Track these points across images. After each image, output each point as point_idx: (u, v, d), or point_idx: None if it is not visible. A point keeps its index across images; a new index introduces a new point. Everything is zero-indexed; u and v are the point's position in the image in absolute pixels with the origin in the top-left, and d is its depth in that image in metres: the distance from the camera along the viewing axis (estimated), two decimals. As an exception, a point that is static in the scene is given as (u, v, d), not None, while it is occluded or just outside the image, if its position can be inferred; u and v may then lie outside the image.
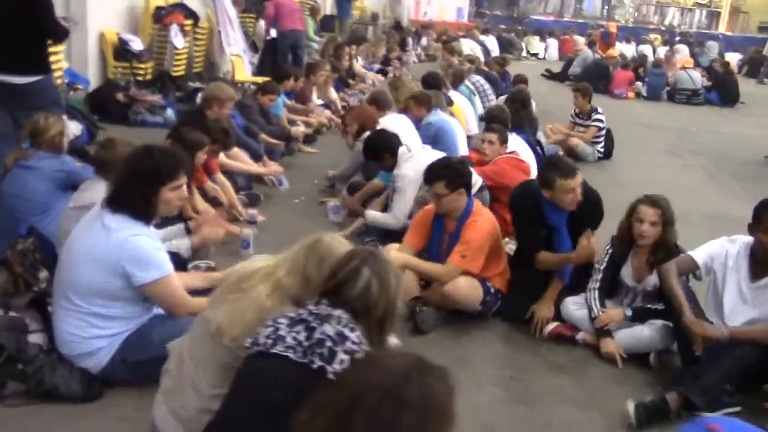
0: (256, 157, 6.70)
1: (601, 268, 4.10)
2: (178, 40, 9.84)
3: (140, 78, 9.47)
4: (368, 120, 6.29)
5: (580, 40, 24.37)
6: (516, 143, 6.16)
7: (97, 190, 3.72)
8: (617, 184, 8.20)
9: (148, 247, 3.10)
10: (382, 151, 5.19)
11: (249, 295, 2.59)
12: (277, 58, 10.92)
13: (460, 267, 4.03)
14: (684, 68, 16.52)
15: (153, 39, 9.92)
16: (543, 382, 3.75)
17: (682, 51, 23.25)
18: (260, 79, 10.45)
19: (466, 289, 4.05)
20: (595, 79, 16.15)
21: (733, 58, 22.84)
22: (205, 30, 10.81)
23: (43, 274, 3.84)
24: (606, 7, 30.39)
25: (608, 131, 9.31)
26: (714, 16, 31.13)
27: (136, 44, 9.52)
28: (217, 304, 2.67)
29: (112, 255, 3.04)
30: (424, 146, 5.17)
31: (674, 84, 15.98)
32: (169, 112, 9.10)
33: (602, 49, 20.24)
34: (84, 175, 4.50)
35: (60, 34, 5.62)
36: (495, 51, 18.79)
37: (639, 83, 16.39)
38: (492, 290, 4.20)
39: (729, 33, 28.05)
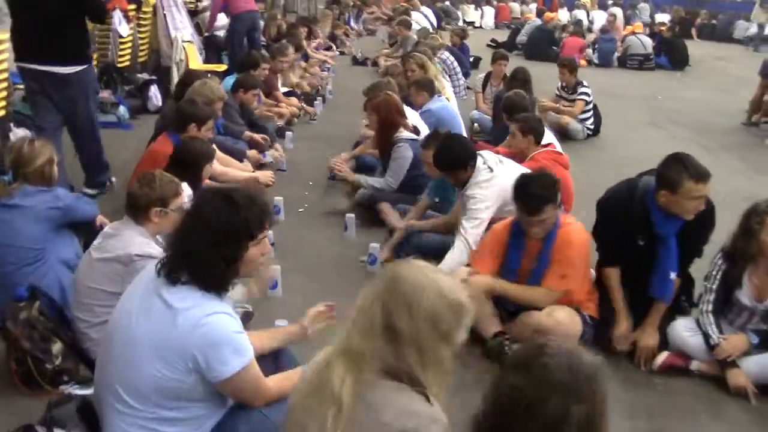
0: (238, 155, 5.93)
1: (713, 287, 3.56)
2: (123, 28, 8.80)
3: (121, 64, 8.47)
4: (395, 112, 5.55)
5: (516, 7, 24.09)
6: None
7: (132, 240, 2.97)
8: (620, 164, 7.76)
9: (229, 329, 2.33)
10: (467, 160, 4.27)
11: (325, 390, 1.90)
12: (234, 43, 9.99)
13: (559, 290, 3.46)
14: (634, 33, 16.29)
15: (94, 28, 8.85)
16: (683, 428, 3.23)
17: (618, 14, 23.17)
18: (215, 68, 9.57)
19: (567, 321, 3.48)
20: (542, 47, 15.90)
21: (663, 19, 22.90)
22: (148, 14, 9.76)
23: (57, 347, 3.07)
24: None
25: (595, 106, 8.88)
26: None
27: (122, 28, 8.50)
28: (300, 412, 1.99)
29: (182, 344, 2.26)
30: (501, 159, 4.43)
31: (625, 50, 15.74)
32: (122, 110, 8.17)
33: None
34: (84, 210, 3.70)
35: (100, 11, 5.48)
36: (434, 22, 18.18)
37: (589, 50, 16.10)
38: (587, 319, 3.63)
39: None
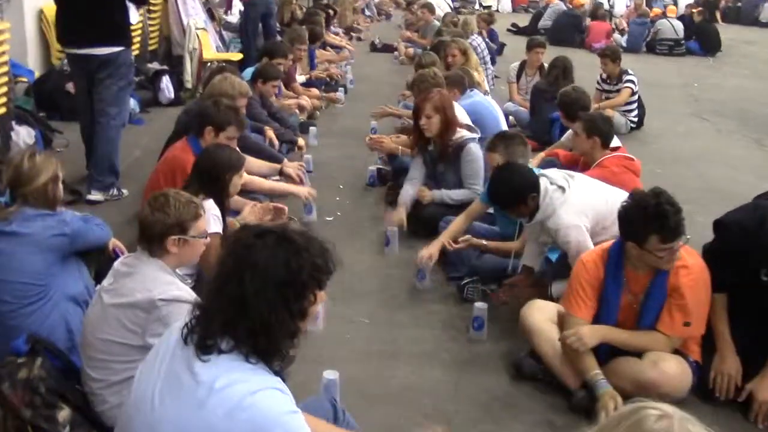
0: (275, 161, 5.32)
1: None
2: (133, 14, 8.17)
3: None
4: (453, 108, 4.96)
5: (534, -11, 23.31)
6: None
7: (152, 279, 2.43)
8: (667, 159, 7.22)
9: (281, 410, 1.77)
10: (526, 191, 3.58)
11: None
12: (248, 29, 9.38)
13: (683, 336, 2.89)
14: (665, 16, 15.57)
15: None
16: None
17: (638, -4, 22.42)
18: (231, 56, 8.99)
19: (677, 373, 2.92)
20: (568, 33, 15.20)
21: (686, 2, 22.11)
22: (159, 0, 9.17)
23: (64, 413, 2.50)
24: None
25: (639, 97, 8.26)
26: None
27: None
28: None
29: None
30: (569, 174, 3.77)
31: (655, 34, 15.03)
32: (132, 103, 7.55)
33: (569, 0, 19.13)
34: (95, 235, 3.15)
35: None
36: (451, 5, 17.50)
37: (617, 35, 15.40)
38: (694, 365, 3.06)
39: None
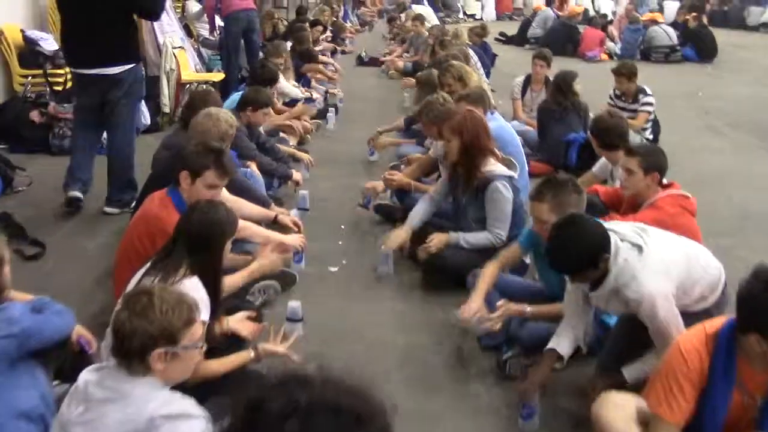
0: (262, 204, 4.66)
1: None
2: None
3: (58, 88, 7.13)
4: (484, 134, 4.31)
5: (517, -4, 22.82)
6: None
7: (143, 395, 1.78)
8: (692, 181, 6.53)
9: None
10: (598, 252, 2.85)
11: None
12: (228, 46, 8.68)
13: None
14: (656, 23, 15.06)
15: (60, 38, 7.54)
16: None
17: (622, 2, 22.05)
18: (211, 77, 8.30)
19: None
20: (561, 42, 14.65)
21: (672, 6, 21.71)
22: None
23: None
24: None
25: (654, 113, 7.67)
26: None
27: (49, 43, 7.17)
28: None
29: None
30: (641, 227, 3.04)
31: (649, 41, 14.53)
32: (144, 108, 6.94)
33: (557, 6, 18.60)
34: (52, 328, 2.48)
35: (153, 5, 5.11)
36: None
37: (610, 43, 14.88)
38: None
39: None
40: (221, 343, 2.98)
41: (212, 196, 3.42)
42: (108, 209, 5.25)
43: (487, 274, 3.61)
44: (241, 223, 3.88)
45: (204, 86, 8.22)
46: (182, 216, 2.99)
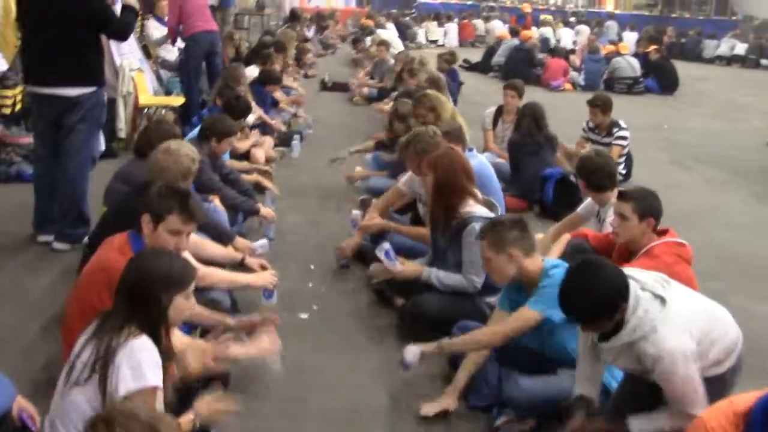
0: (226, 239, 4.33)
1: None
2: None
3: (6, 111, 6.68)
4: (462, 174, 4.06)
5: (480, 24, 22.87)
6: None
7: None
8: (675, 220, 6.34)
9: None
10: (617, 300, 2.59)
11: None
12: (190, 68, 8.32)
13: None
14: (620, 54, 15.13)
15: (17, 53, 7.10)
16: None
17: (584, 32, 22.26)
18: (171, 101, 7.94)
19: None
20: (522, 69, 14.62)
21: (631, 37, 21.99)
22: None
23: None
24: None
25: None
26: (596, -6, 30.63)
27: (-3, 63, 6.72)
28: None
29: None
30: (663, 277, 2.76)
31: (612, 72, 14.57)
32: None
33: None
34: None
35: (122, 28, 4.87)
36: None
37: (574, 73, 14.90)
38: None
39: (617, 11, 27.47)
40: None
41: (176, 243, 3.08)
42: (57, 245, 4.84)
43: (475, 356, 3.39)
44: (204, 269, 3.58)
45: (163, 110, 7.88)
46: (126, 267, 2.64)
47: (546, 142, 6.60)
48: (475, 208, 3.97)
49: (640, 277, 2.74)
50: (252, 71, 8.50)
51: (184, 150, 3.71)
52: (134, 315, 2.46)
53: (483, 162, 5.13)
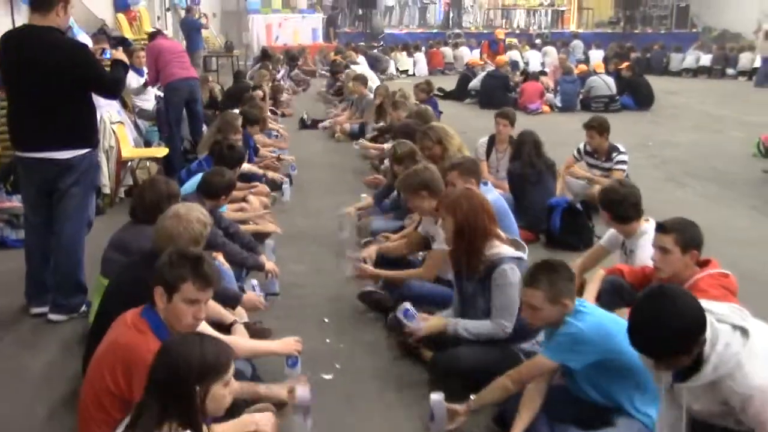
0: (234, 302, 4.08)
1: None
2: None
3: (-17, 174, 6.39)
4: (484, 214, 3.85)
5: (448, 52, 22.92)
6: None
7: None
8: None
9: None
10: (696, 333, 2.40)
11: None
12: (170, 117, 8.09)
13: None
14: (596, 73, 15.18)
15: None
16: None
17: (551, 53, 22.41)
18: (154, 153, 7.70)
19: None
20: (498, 94, 14.62)
21: (598, 56, 22.18)
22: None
23: None
24: (453, 15, 29.19)
25: (623, 169, 7.43)
26: (558, 15, 30.93)
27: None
28: None
29: None
30: (739, 308, 2.58)
31: (588, 91, 14.59)
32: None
33: (492, 58, 18.72)
34: None
35: (112, 85, 4.63)
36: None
37: (550, 95, 14.89)
38: None
39: (581, 30, 27.74)
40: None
41: (194, 313, 2.83)
42: (53, 316, 4.54)
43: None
44: (226, 338, 3.33)
45: (147, 163, 7.63)
46: (154, 359, 2.39)
47: (546, 169, 6.47)
48: (502, 249, 3.77)
49: (713, 308, 2.54)
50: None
51: (195, 214, 3.44)
52: (170, 410, 2.22)
53: (498, 197, 4.94)
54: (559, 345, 3.11)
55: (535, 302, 3.10)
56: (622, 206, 4.11)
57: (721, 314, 2.51)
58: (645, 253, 3.88)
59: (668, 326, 2.38)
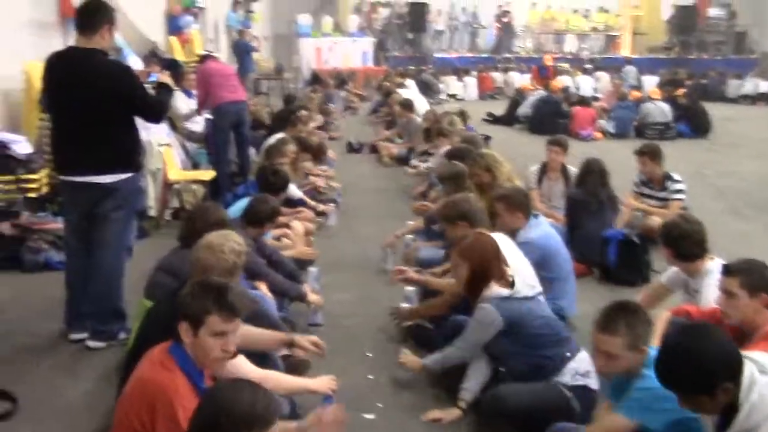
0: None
1: None
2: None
3: (32, 195, 6.42)
4: (493, 259, 3.73)
5: (498, 77, 22.73)
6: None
7: None
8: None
9: None
10: (716, 375, 2.31)
11: None
12: (218, 141, 8.07)
13: None
14: (651, 99, 14.82)
15: (41, 134, 6.88)
16: None
17: (603, 78, 22.07)
18: (200, 175, 7.67)
19: None
20: (549, 120, 14.34)
21: (651, 81, 21.75)
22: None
23: None
24: (504, 39, 28.98)
25: (681, 199, 7.11)
26: (611, 40, 30.50)
27: (22, 146, 6.47)
28: None
29: None
30: None
31: (643, 118, 14.22)
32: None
33: (541, 84, 18.46)
34: None
35: (157, 109, 4.56)
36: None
37: (602, 121, 14.57)
38: None
39: (634, 56, 27.27)
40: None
41: (222, 346, 2.69)
42: (92, 343, 4.46)
43: None
44: (261, 374, 3.20)
45: (193, 186, 7.60)
46: (196, 411, 2.24)
47: (607, 200, 6.24)
48: (493, 289, 3.71)
49: (758, 358, 2.42)
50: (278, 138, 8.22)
51: (229, 245, 3.31)
52: None
53: (549, 233, 4.71)
54: (639, 402, 2.87)
55: (613, 350, 2.87)
56: (686, 244, 3.86)
57: (764, 365, 2.40)
58: (711, 294, 3.64)
59: (690, 362, 2.35)
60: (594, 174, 6.28)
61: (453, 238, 4.55)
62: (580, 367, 3.58)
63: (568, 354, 3.61)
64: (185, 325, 2.67)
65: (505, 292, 3.71)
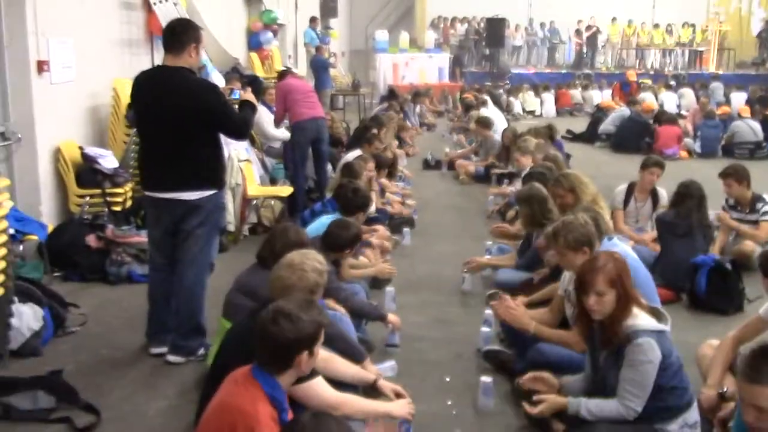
0: (356, 358, 3.85)
1: None
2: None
3: (117, 208, 6.58)
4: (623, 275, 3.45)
5: (576, 94, 22.28)
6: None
7: None
8: None
9: None
10: None
11: None
12: (296, 156, 8.12)
13: None
14: (741, 117, 14.24)
15: (128, 149, 7.06)
16: None
17: (688, 95, 21.35)
18: (279, 192, 7.71)
19: None
20: (633, 139, 13.94)
21: (740, 98, 20.90)
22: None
23: None
24: (586, 55, 28.44)
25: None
26: (696, 55, 29.58)
27: (108, 160, 6.66)
28: None
29: None
30: None
31: (731, 136, 13.67)
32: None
33: (623, 99, 17.99)
34: None
35: (241, 127, 4.58)
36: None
37: (688, 139, 14.06)
38: None
39: (720, 72, 26.37)
40: None
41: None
42: (172, 358, 4.49)
43: None
44: (339, 397, 3.14)
45: (271, 201, 7.65)
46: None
47: (698, 226, 5.96)
48: (638, 320, 3.35)
49: None
50: (355, 155, 8.21)
51: (310, 264, 3.29)
52: None
53: (627, 252, 4.47)
54: None
55: (762, 402, 2.52)
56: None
57: None
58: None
59: None
60: (692, 199, 5.99)
61: (568, 265, 4.10)
62: (690, 418, 3.32)
63: (687, 402, 3.35)
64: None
65: (659, 326, 3.38)
